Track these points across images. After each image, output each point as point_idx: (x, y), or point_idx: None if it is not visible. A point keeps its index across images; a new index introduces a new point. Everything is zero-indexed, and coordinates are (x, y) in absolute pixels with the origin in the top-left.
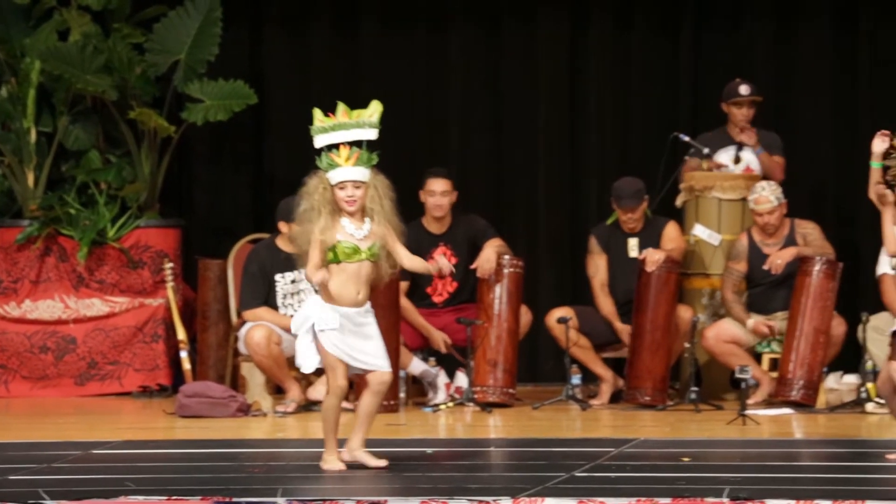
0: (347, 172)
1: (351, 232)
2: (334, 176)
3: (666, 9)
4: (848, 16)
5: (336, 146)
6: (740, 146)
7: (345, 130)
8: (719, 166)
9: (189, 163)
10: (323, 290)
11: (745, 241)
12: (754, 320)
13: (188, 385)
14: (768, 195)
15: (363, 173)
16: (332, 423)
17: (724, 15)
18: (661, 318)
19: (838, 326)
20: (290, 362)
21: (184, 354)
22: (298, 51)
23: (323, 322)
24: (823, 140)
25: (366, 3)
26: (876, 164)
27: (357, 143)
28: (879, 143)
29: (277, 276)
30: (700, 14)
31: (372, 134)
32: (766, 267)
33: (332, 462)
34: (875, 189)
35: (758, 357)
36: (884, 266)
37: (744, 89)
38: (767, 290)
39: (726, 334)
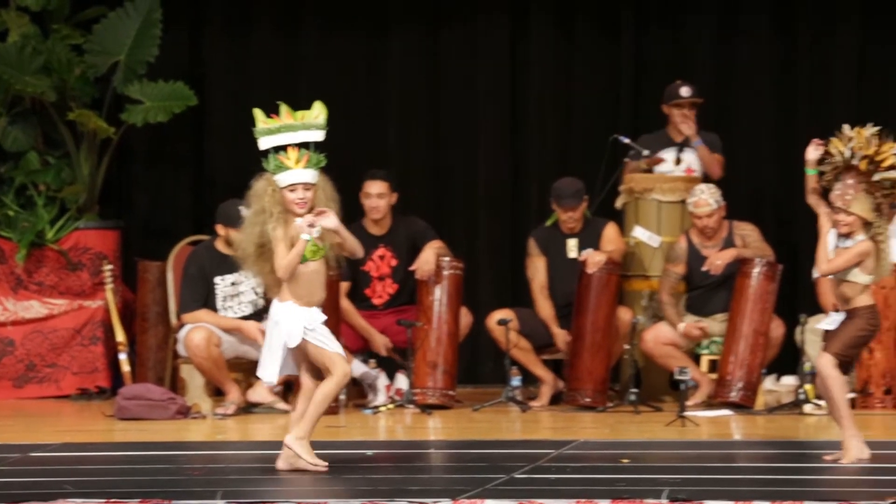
0: (298, 175)
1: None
2: (284, 178)
3: (606, 11)
4: (787, 18)
5: (283, 148)
6: (681, 148)
7: (292, 132)
8: (658, 161)
9: (128, 164)
10: (294, 290)
11: (683, 243)
12: (685, 324)
13: (127, 387)
14: (707, 198)
15: (313, 175)
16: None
17: (665, 17)
18: (601, 319)
19: (777, 328)
20: (230, 364)
21: (123, 356)
22: (238, 52)
23: (314, 320)
24: (763, 142)
25: (306, 5)
26: (810, 172)
27: (303, 145)
28: (813, 152)
29: (217, 279)
30: (640, 16)
31: (319, 135)
32: (705, 268)
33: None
34: (811, 199)
35: (697, 359)
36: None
37: (684, 91)
38: (706, 293)
39: (664, 336)
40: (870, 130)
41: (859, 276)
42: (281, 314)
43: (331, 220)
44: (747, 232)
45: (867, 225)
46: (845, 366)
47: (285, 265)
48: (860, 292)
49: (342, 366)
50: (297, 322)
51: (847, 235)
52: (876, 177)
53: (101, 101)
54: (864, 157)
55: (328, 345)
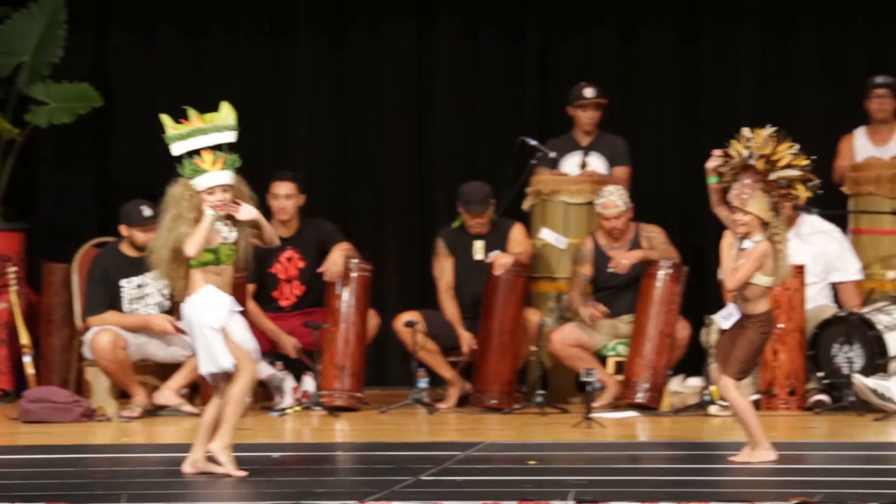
0: (215, 177)
1: (225, 235)
2: (202, 181)
3: (511, 13)
4: (691, 20)
5: (196, 152)
6: (587, 150)
7: (204, 135)
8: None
9: (33, 165)
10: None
11: (590, 244)
12: (588, 308)
13: (32, 390)
14: (616, 199)
15: (230, 176)
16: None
17: (570, 19)
18: (508, 321)
19: (683, 329)
20: (136, 367)
21: (27, 359)
22: (145, 53)
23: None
24: (668, 143)
25: (213, 7)
26: (711, 180)
27: (216, 147)
28: (712, 161)
29: (123, 281)
30: (545, 18)
31: (231, 136)
32: (611, 267)
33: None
34: (718, 211)
35: (603, 360)
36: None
37: (588, 92)
38: (613, 294)
39: (571, 338)
40: (768, 131)
41: (759, 279)
42: (202, 299)
43: (249, 211)
44: (654, 234)
45: (765, 225)
46: (749, 374)
47: (192, 240)
48: (760, 294)
49: (249, 366)
50: (221, 304)
51: (745, 236)
52: (772, 176)
53: (6, 102)
54: (762, 157)
55: (245, 342)
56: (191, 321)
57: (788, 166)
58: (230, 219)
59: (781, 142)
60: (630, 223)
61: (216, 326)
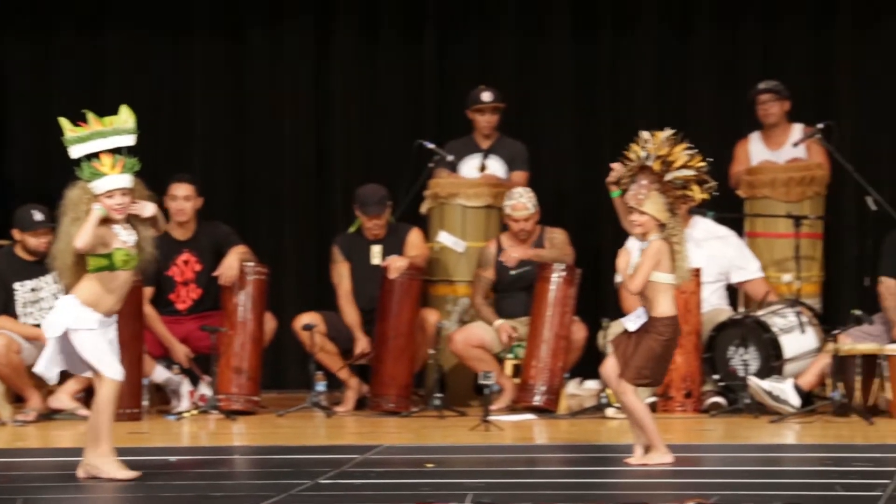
0: (115, 181)
1: (124, 239)
2: (101, 185)
3: (410, 16)
4: (589, 23)
5: (95, 155)
6: (486, 154)
7: (103, 139)
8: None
9: None
10: (92, 291)
11: (493, 248)
12: (501, 322)
13: None
14: (525, 202)
15: (129, 180)
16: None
17: (468, 22)
18: (404, 324)
19: (578, 332)
20: (31, 371)
21: None
22: (40, 56)
23: (83, 322)
24: (566, 146)
25: (110, 9)
26: (615, 194)
27: (115, 150)
28: (611, 175)
29: (16, 285)
30: (444, 21)
31: (130, 140)
32: (500, 259)
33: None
34: (626, 224)
35: (500, 363)
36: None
37: (486, 96)
38: (510, 295)
39: (475, 338)
40: (665, 133)
41: (658, 276)
42: (58, 304)
43: (149, 207)
44: (556, 235)
45: (661, 226)
46: (656, 381)
47: (81, 234)
48: (662, 291)
49: (107, 377)
50: (64, 315)
51: (642, 237)
52: (668, 176)
53: None
54: (658, 158)
55: (96, 356)
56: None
57: (684, 167)
58: (129, 222)
59: (678, 143)
60: (536, 226)
61: (51, 335)
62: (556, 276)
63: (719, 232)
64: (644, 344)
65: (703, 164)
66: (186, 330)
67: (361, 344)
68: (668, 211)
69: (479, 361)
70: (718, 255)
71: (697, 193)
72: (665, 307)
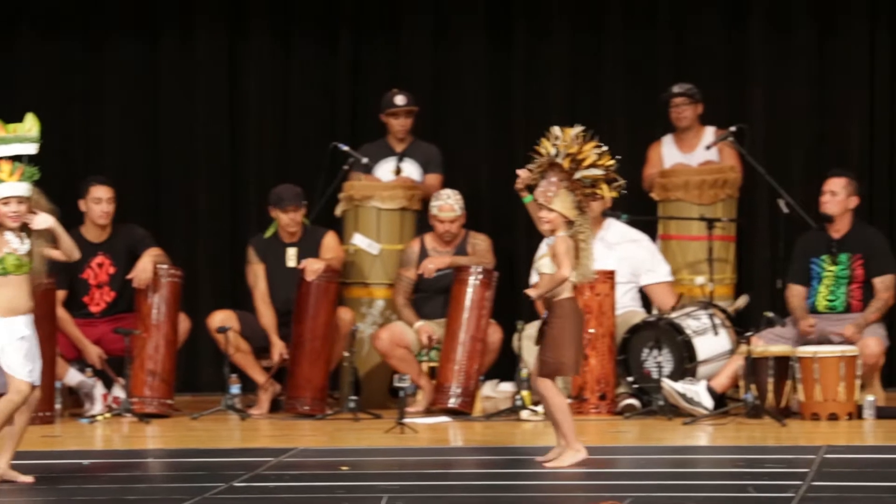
0: (11, 188)
1: (15, 246)
2: None
3: (324, 19)
4: (503, 26)
5: None
6: (400, 157)
7: (4, 145)
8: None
9: None
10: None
11: (416, 248)
12: (421, 323)
13: None
14: (453, 203)
15: (26, 188)
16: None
17: (382, 25)
18: (320, 327)
19: (494, 334)
20: None
21: None
22: None
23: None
24: (481, 150)
25: (21, 11)
26: (526, 200)
27: (16, 158)
28: (518, 183)
29: None
30: (358, 24)
31: (32, 148)
32: (419, 271)
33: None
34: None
35: (419, 364)
36: (536, 276)
37: (399, 100)
38: (429, 297)
39: (400, 337)
40: (576, 130)
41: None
42: None
43: (45, 220)
44: (478, 241)
45: (570, 223)
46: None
47: None
48: (564, 287)
49: (16, 388)
50: None
51: (550, 233)
52: (577, 175)
53: None
54: (568, 156)
55: (10, 367)
56: None
57: (593, 166)
58: (24, 230)
59: (588, 141)
60: (461, 229)
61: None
62: (474, 279)
63: (632, 235)
64: (549, 336)
65: (612, 162)
66: (100, 332)
67: (277, 348)
68: (576, 209)
69: (402, 361)
70: (629, 257)
71: (606, 192)
72: (564, 293)
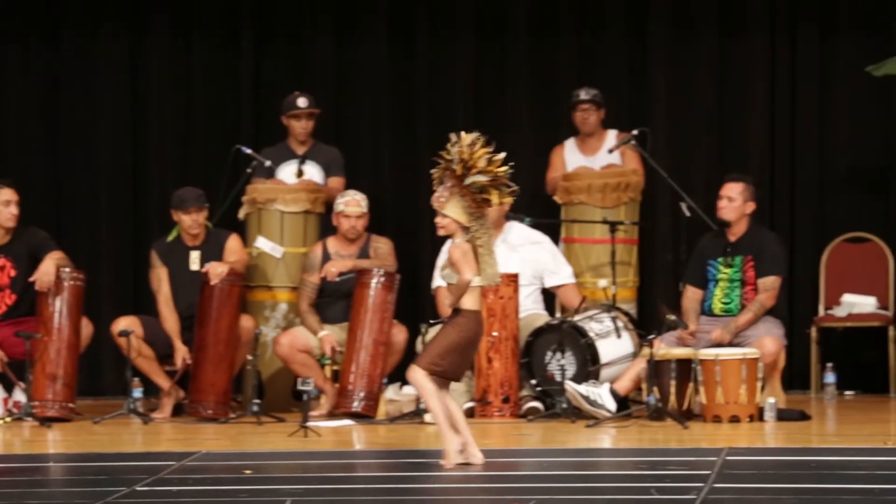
0: None
1: None
2: None
3: (226, 21)
4: (405, 30)
5: None
6: (303, 160)
7: None
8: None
9: None
10: None
11: (318, 252)
12: (325, 333)
13: None
14: (359, 199)
15: None
16: None
17: (284, 27)
18: (223, 330)
19: (399, 334)
20: None
21: None
22: None
23: None
24: (384, 152)
25: None
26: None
27: None
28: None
29: None
30: (260, 26)
31: None
32: (322, 275)
33: None
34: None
35: (321, 368)
36: (438, 280)
37: (301, 102)
38: (331, 301)
39: (300, 342)
40: (471, 137)
41: (452, 277)
42: None
43: None
44: (381, 245)
45: (465, 229)
46: (451, 373)
47: None
48: (468, 293)
49: None
50: None
51: (449, 238)
52: (467, 180)
53: None
54: (460, 162)
55: None
56: None
57: (482, 172)
58: None
59: (482, 147)
60: (363, 231)
61: None
62: (375, 282)
63: (534, 237)
64: (443, 333)
65: (502, 169)
66: (0, 336)
67: (180, 353)
68: (469, 214)
69: (303, 366)
70: (532, 259)
71: (496, 198)
72: (469, 304)
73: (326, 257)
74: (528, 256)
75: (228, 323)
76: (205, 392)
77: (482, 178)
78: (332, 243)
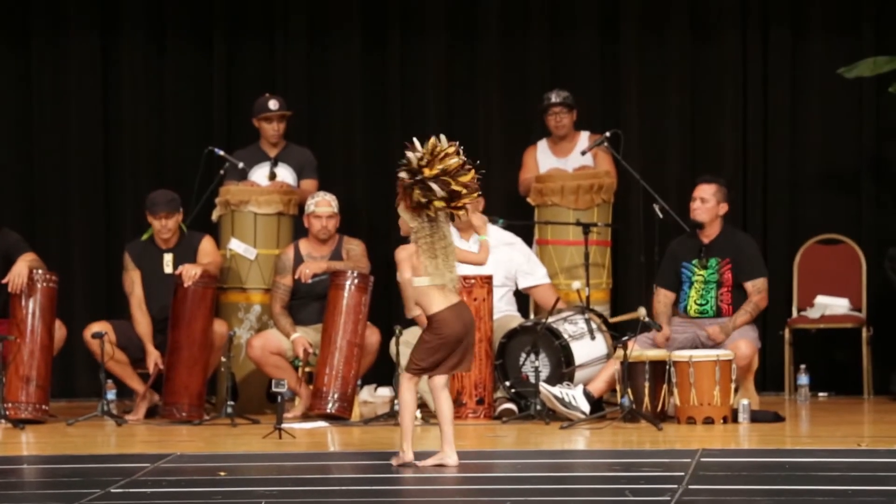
0: None
1: None
2: None
3: (197, 23)
4: (377, 31)
5: None
6: (275, 162)
7: None
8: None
9: None
10: None
11: (290, 254)
12: (297, 335)
13: None
14: (329, 199)
15: None
16: None
17: (256, 28)
18: (197, 332)
19: (372, 335)
20: None
21: None
22: None
23: None
24: (357, 154)
25: None
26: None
27: None
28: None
29: None
30: (231, 27)
31: None
32: (296, 276)
33: None
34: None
35: (295, 370)
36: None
37: (272, 104)
38: (305, 304)
39: (273, 345)
40: (431, 142)
41: (417, 280)
42: None
43: None
44: (353, 246)
45: (411, 229)
46: (438, 370)
47: None
48: (423, 294)
49: None
50: None
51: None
52: (407, 183)
53: None
54: (409, 165)
55: None
56: None
57: (426, 179)
58: None
59: (439, 158)
60: (335, 234)
61: None
62: (349, 284)
63: (507, 239)
64: (419, 337)
65: (463, 178)
66: None
67: (152, 358)
68: (415, 215)
69: (276, 368)
70: (505, 261)
71: (434, 207)
72: (435, 307)
73: (299, 259)
74: (501, 258)
75: (202, 325)
76: (179, 394)
77: (408, 182)
78: (304, 245)
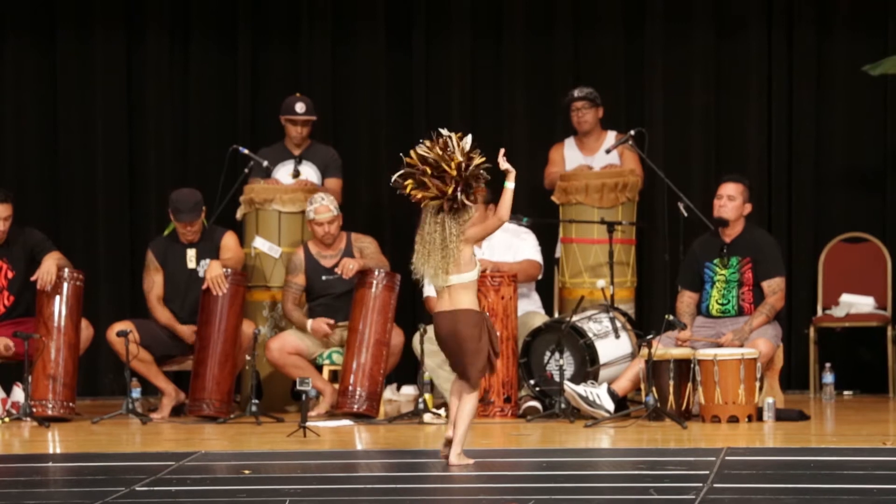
0: None
1: None
2: None
3: (223, 22)
4: (402, 31)
5: None
6: (299, 160)
7: None
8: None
9: None
10: None
11: (301, 254)
12: (313, 320)
13: None
14: (328, 204)
15: None
16: None
17: (281, 28)
18: (229, 330)
19: (396, 336)
20: None
21: None
22: None
23: None
24: (381, 153)
25: None
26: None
27: None
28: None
29: None
30: (257, 27)
31: None
32: (338, 271)
33: None
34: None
35: (319, 369)
36: (428, 289)
37: (299, 107)
38: (329, 302)
39: (290, 345)
40: (441, 143)
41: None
42: None
43: None
44: (365, 244)
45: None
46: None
47: None
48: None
49: None
50: None
51: None
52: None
53: None
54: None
55: None
56: None
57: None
58: None
59: (441, 159)
60: (342, 232)
61: None
62: (377, 282)
63: (520, 233)
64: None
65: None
66: None
67: (187, 331)
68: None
69: (296, 368)
70: (513, 255)
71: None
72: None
73: (310, 259)
74: (510, 253)
75: (233, 322)
76: (209, 391)
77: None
78: (313, 245)
